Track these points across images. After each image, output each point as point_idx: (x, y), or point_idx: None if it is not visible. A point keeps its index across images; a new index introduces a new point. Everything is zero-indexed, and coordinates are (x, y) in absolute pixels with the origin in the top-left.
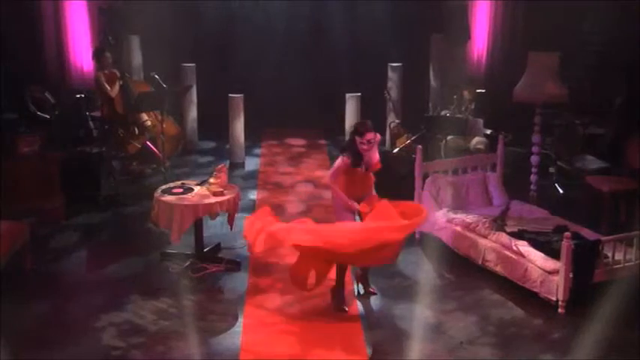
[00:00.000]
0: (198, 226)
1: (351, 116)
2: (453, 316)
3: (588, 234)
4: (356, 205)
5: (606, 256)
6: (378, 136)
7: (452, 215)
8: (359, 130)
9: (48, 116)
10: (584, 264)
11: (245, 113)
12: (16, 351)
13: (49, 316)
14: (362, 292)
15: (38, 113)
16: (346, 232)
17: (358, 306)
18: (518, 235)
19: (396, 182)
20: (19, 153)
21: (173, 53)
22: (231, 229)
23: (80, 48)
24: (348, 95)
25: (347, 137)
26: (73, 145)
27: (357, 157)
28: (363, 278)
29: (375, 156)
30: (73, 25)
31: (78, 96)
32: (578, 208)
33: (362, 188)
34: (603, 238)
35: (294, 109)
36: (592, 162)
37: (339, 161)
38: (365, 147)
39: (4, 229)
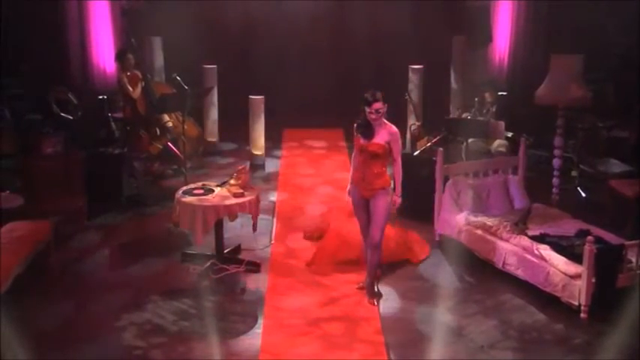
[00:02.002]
0: (218, 227)
1: None
2: (473, 319)
3: (612, 238)
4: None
5: (630, 261)
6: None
7: (473, 218)
8: (367, 99)
9: (71, 117)
10: (607, 268)
11: (266, 115)
12: (38, 349)
13: (70, 315)
14: (382, 294)
15: (62, 114)
16: None
17: (378, 308)
18: (540, 239)
19: (417, 185)
20: (42, 153)
21: (195, 55)
22: (254, 230)
23: (103, 49)
24: None
25: None
26: (95, 145)
27: (367, 127)
28: (368, 286)
29: (379, 139)
30: (96, 26)
31: (100, 97)
32: (601, 212)
33: (363, 171)
34: (627, 243)
35: (314, 110)
36: (615, 165)
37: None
38: (373, 116)
39: (27, 229)
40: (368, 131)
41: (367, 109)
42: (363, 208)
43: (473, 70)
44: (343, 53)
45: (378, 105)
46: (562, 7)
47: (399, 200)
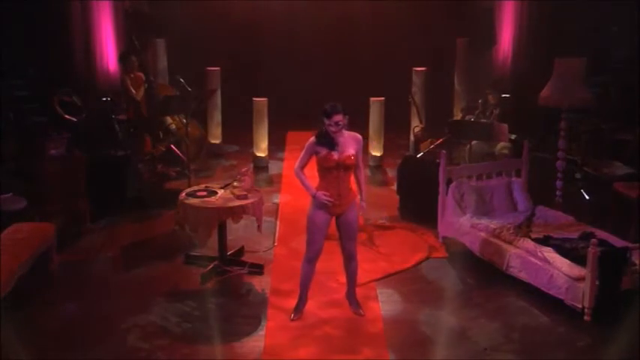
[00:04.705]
0: (221, 229)
1: (375, 121)
2: (476, 322)
3: (616, 241)
4: (319, 194)
5: (634, 264)
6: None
7: (476, 221)
8: (327, 111)
9: (75, 119)
10: (611, 271)
11: (269, 117)
12: (42, 351)
13: (74, 317)
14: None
15: (65, 116)
16: None
17: (381, 311)
18: (544, 242)
19: (420, 187)
20: (46, 155)
21: (198, 57)
22: (259, 231)
23: (107, 51)
24: (372, 100)
25: (369, 141)
26: (98, 148)
27: (327, 139)
28: (351, 297)
29: (349, 150)
30: (99, 28)
31: (104, 99)
32: (604, 214)
33: (337, 187)
34: (631, 245)
35: (318, 113)
36: (619, 168)
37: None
38: (333, 129)
39: (30, 231)
40: (332, 144)
41: (326, 121)
42: (326, 228)
43: (476, 72)
44: (347, 55)
45: (338, 117)
46: (566, 9)
47: (365, 206)
